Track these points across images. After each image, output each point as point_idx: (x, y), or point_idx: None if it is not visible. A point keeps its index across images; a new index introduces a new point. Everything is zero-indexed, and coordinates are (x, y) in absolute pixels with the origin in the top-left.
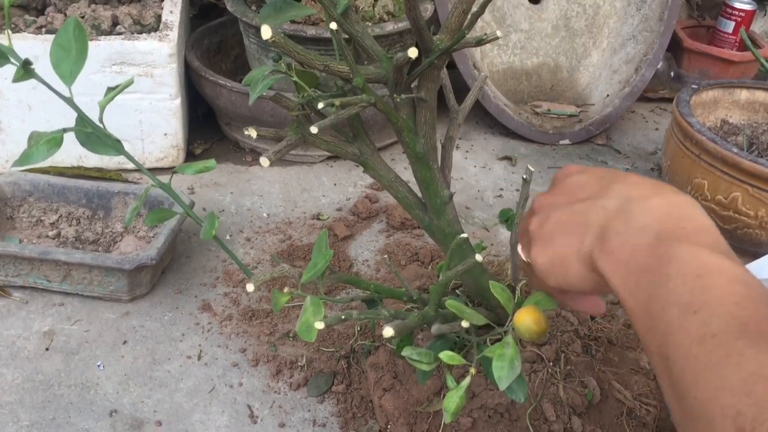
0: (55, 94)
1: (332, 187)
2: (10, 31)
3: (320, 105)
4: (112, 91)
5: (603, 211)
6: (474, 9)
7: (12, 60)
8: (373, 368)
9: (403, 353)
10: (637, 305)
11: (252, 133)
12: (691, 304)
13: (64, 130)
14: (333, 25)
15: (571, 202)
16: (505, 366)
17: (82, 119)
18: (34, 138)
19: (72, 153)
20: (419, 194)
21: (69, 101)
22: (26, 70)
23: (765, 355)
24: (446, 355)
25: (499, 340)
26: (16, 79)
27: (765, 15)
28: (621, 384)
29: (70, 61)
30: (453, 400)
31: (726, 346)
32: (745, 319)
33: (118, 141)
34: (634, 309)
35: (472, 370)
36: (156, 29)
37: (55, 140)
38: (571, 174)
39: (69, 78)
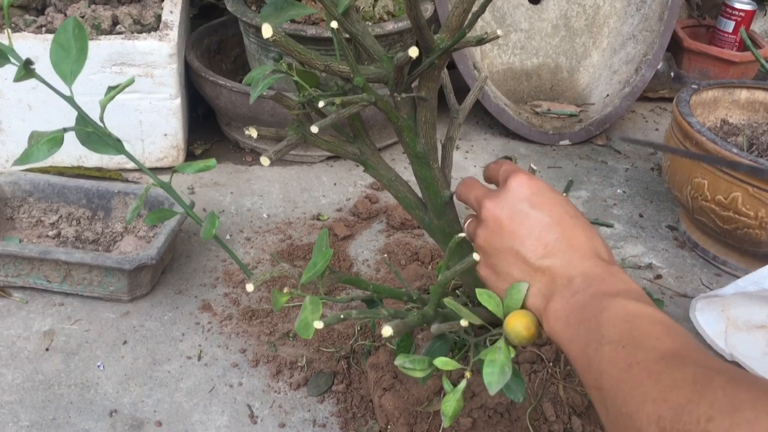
0: (56, 94)
1: (332, 187)
2: (10, 31)
3: (321, 104)
4: (113, 90)
5: (549, 277)
6: (474, 8)
7: (12, 60)
8: (373, 368)
9: (396, 362)
10: (575, 350)
11: (252, 132)
12: (620, 341)
13: (65, 130)
14: (334, 24)
15: (517, 247)
16: (495, 372)
17: (82, 118)
18: (35, 137)
19: (72, 153)
20: (419, 194)
21: (69, 100)
22: (27, 70)
23: (677, 372)
24: (441, 362)
25: (498, 339)
26: (17, 78)
27: (765, 15)
28: None
29: (70, 60)
30: (450, 403)
31: (647, 369)
32: (663, 350)
33: (119, 140)
34: (573, 353)
35: (467, 374)
36: (156, 29)
37: (55, 140)
38: (522, 191)
39: (69, 77)
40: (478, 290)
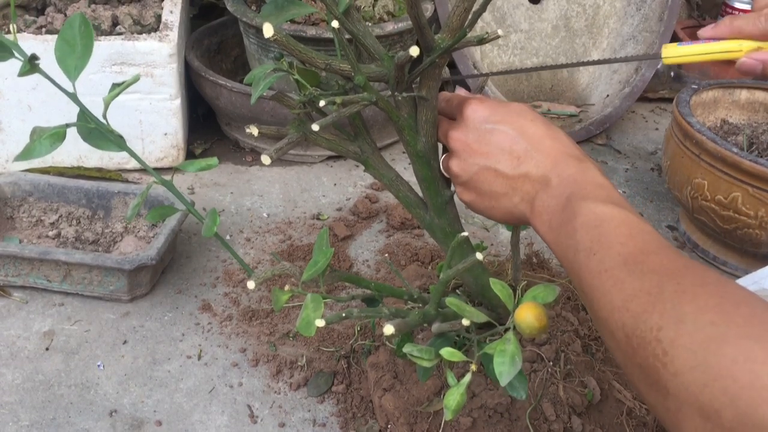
0: (59, 91)
1: (332, 187)
2: (15, 26)
3: (322, 103)
4: (118, 87)
5: (528, 182)
6: (475, 8)
7: (16, 54)
8: (373, 368)
9: (404, 350)
10: (560, 253)
11: (253, 130)
12: (591, 249)
13: (67, 125)
14: (335, 24)
15: (493, 165)
16: (506, 362)
17: (84, 115)
18: (37, 133)
19: (72, 153)
20: (420, 193)
21: (73, 96)
22: (32, 65)
23: (637, 280)
24: (447, 352)
25: (499, 338)
26: (22, 73)
27: None
28: (621, 384)
29: (75, 56)
30: (454, 397)
31: (613, 278)
32: (626, 255)
33: (121, 136)
34: (559, 256)
35: (473, 367)
36: (156, 29)
37: (58, 135)
38: (479, 115)
39: (74, 73)
40: (492, 279)
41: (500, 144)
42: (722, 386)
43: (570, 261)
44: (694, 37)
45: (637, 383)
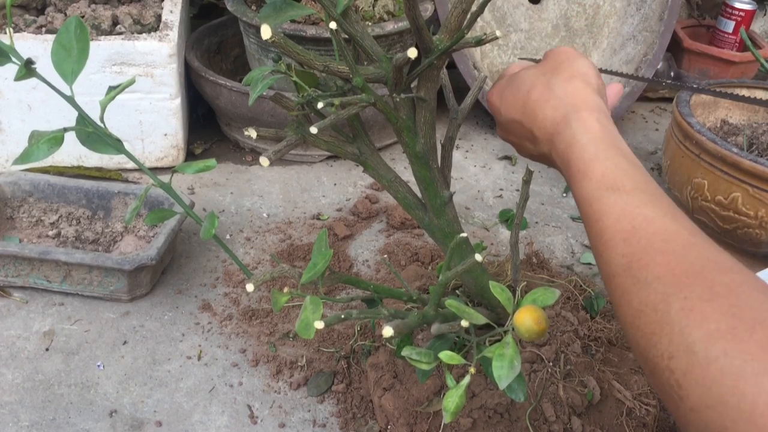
0: (57, 93)
1: (332, 187)
2: (11, 30)
3: (320, 105)
4: (114, 90)
5: (542, 144)
6: (474, 9)
7: (13, 59)
8: (373, 368)
9: (403, 353)
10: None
11: (252, 133)
12: (597, 248)
13: (65, 130)
14: (332, 25)
15: (520, 119)
16: (504, 366)
17: (82, 118)
18: (35, 137)
19: (72, 153)
20: (419, 194)
21: (70, 100)
22: (28, 70)
23: (644, 292)
24: (446, 355)
25: (498, 340)
26: (18, 77)
27: (765, 15)
28: (621, 384)
29: (71, 60)
30: (452, 399)
31: (620, 287)
32: (630, 257)
33: (119, 140)
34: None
35: (472, 369)
36: (156, 29)
37: (56, 139)
38: (512, 69)
39: (70, 77)
40: (491, 282)
41: (517, 134)
42: (744, 430)
43: (593, 254)
44: (693, 37)
45: (660, 396)
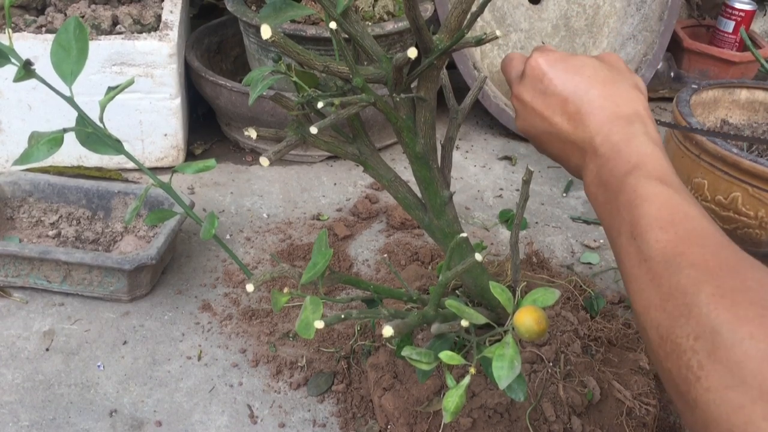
0: (56, 94)
1: (332, 187)
2: (11, 31)
3: (320, 105)
4: (113, 91)
5: (578, 149)
6: (473, 9)
7: (13, 60)
8: (373, 368)
9: (403, 353)
10: (607, 231)
11: (252, 133)
12: (631, 233)
13: (65, 130)
14: (332, 25)
15: (548, 129)
16: (504, 366)
17: (82, 119)
18: (35, 138)
19: (72, 153)
20: (419, 194)
21: (70, 101)
22: (27, 71)
23: (674, 276)
24: (446, 355)
25: (498, 340)
26: (17, 79)
27: (765, 15)
28: (621, 384)
29: (71, 60)
30: (452, 399)
31: (651, 270)
32: (665, 243)
33: (118, 141)
34: (607, 234)
35: (472, 370)
36: (156, 29)
37: (55, 140)
38: (537, 73)
39: (70, 77)
40: (491, 282)
41: (553, 107)
42: (763, 410)
43: (614, 242)
44: (694, 37)
45: (666, 384)
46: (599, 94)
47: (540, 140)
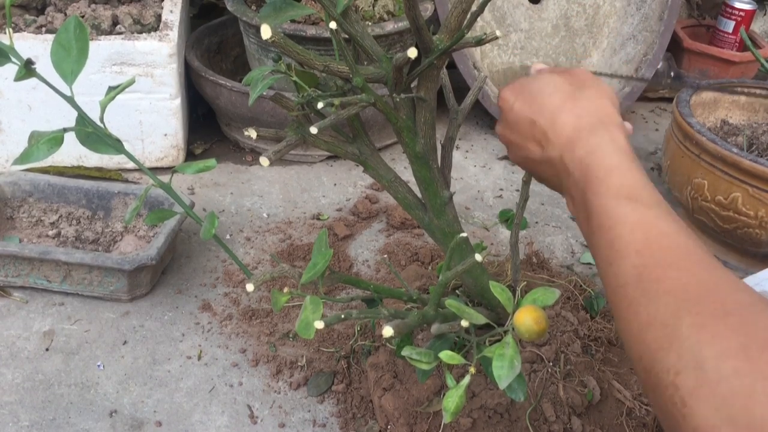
0: (56, 93)
1: (332, 187)
2: (11, 30)
3: (320, 105)
4: (114, 90)
5: (553, 168)
6: (473, 8)
7: (13, 59)
8: (373, 368)
9: (403, 353)
10: (590, 251)
11: (252, 133)
12: (607, 258)
13: (65, 130)
14: (332, 25)
15: (525, 154)
16: (504, 365)
17: (82, 119)
18: (35, 137)
19: (72, 153)
20: (419, 194)
21: (70, 100)
22: (28, 70)
23: (652, 305)
24: (446, 355)
25: (498, 340)
26: (18, 78)
27: (765, 15)
28: (621, 384)
29: (71, 60)
30: (452, 399)
31: (628, 298)
32: (641, 269)
33: (118, 140)
34: (590, 250)
35: (472, 369)
36: (156, 29)
37: (55, 140)
38: (506, 105)
39: (70, 77)
40: (491, 282)
41: (524, 133)
42: None
43: (596, 263)
44: (693, 37)
45: (657, 414)
46: (560, 110)
47: (528, 168)
